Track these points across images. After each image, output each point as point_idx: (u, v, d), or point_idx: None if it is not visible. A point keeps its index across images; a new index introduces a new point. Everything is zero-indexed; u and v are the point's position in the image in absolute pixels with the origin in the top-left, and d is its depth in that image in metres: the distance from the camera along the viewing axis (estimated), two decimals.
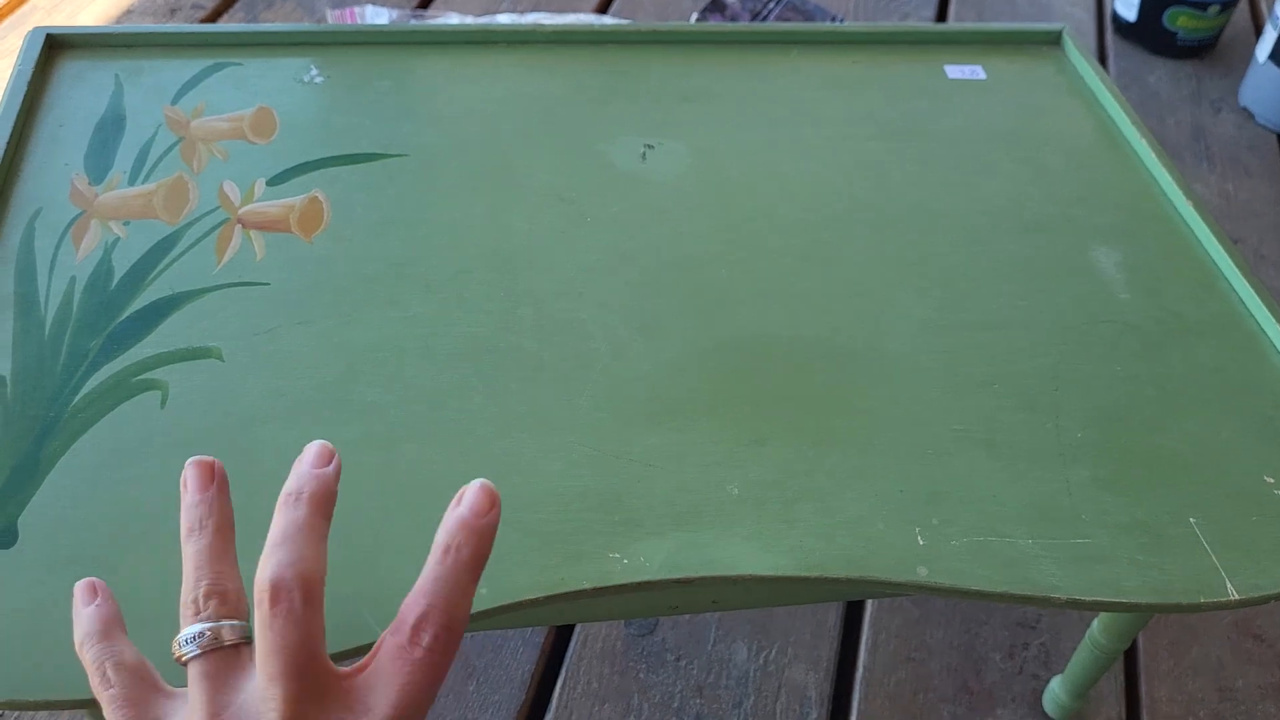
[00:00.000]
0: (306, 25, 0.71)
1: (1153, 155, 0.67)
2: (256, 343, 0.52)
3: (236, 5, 1.27)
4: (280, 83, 0.67)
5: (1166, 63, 1.35)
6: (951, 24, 0.79)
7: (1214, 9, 1.29)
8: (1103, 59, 1.36)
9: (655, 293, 0.57)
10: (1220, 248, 0.61)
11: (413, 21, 1.01)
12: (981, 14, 1.39)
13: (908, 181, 0.65)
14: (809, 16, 1.15)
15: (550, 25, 0.73)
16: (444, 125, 0.65)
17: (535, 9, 1.27)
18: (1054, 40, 0.78)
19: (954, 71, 0.74)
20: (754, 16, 1.14)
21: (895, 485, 0.49)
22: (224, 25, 0.70)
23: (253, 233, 0.57)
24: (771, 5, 1.16)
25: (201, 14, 1.27)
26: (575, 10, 1.25)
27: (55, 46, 0.67)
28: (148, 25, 0.69)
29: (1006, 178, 0.66)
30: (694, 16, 1.17)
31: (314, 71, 0.68)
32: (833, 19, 1.16)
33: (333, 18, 1.08)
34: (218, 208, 0.59)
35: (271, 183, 0.60)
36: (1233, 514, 0.49)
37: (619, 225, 0.60)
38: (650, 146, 0.65)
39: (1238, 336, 0.57)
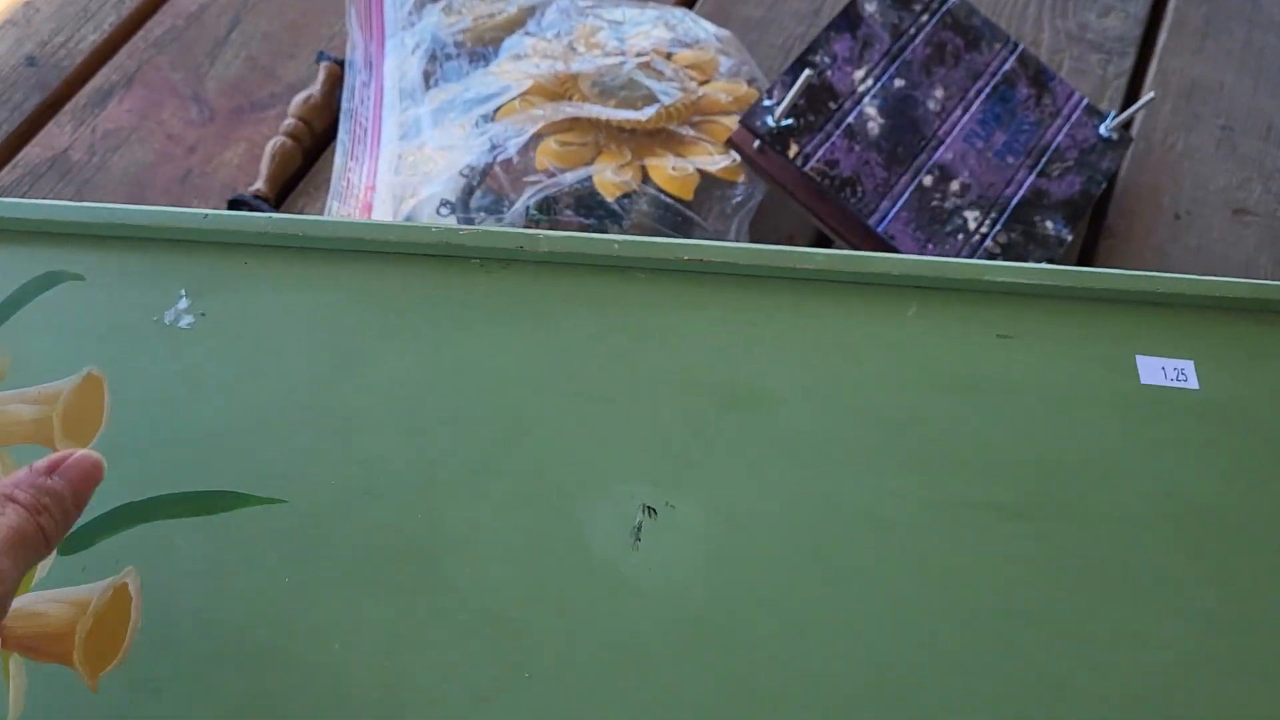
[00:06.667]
0: (209, 214, 0.48)
1: None
2: None
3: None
4: (130, 320, 0.45)
5: None
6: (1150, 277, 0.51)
7: None
8: None
9: None
10: None
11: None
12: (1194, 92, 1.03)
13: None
14: (972, 35, 0.87)
15: (551, 233, 0.48)
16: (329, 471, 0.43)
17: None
18: None
19: (1149, 370, 0.48)
20: (897, 36, 0.85)
21: None
22: (59, 203, 0.47)
23: (13, 660, 0.38)
24: (925, 19, 0.87)
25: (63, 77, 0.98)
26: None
27: None
28: None
29: None
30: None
31: (184, 303, 0.46)
32: (1006, 41, 0.87)
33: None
34: None
35: (64, 551, 0.40)
36: None
37: (578, 674, 0.39)
38: (654, 511, 0.43)
39: None
